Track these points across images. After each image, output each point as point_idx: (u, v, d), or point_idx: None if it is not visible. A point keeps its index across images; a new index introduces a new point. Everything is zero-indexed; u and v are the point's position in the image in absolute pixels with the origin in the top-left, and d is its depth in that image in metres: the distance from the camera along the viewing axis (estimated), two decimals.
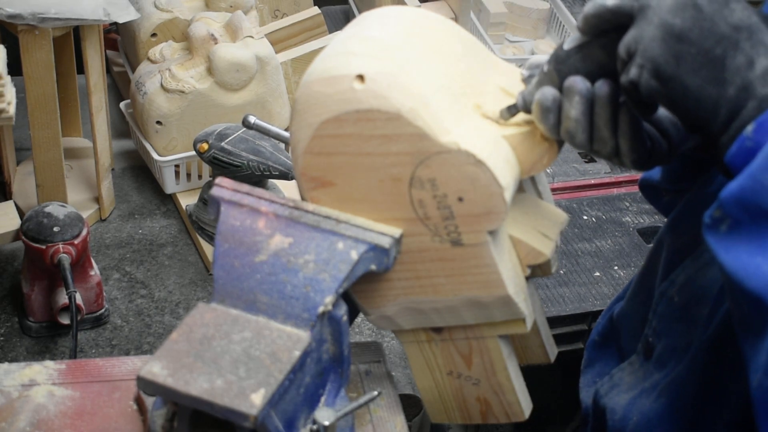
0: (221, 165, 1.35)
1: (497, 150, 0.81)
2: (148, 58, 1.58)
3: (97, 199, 1.57)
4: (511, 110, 0.83)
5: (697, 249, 0.96)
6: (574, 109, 0.78)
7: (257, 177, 1.35)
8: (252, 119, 1.16)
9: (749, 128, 0.71)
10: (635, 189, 1.73)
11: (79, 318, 1.27)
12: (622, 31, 0.75)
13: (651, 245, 1.58)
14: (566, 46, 0.79)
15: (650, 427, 0.96)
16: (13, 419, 0.89)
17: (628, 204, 1.70)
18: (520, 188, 0.90)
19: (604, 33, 0.77)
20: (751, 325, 0.74)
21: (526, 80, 0.85)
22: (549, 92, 0.79)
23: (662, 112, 0.85)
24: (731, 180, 0.72)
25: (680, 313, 0.96)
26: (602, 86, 0.78)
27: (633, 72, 0.74)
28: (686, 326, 0.95)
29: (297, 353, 0.79)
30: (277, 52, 1.60)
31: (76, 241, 1.29)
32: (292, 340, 0.80)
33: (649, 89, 0.74)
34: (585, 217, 1.66)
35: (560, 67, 0.79)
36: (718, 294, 0.90)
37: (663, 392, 0.95)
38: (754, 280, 0.70)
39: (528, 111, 0.82)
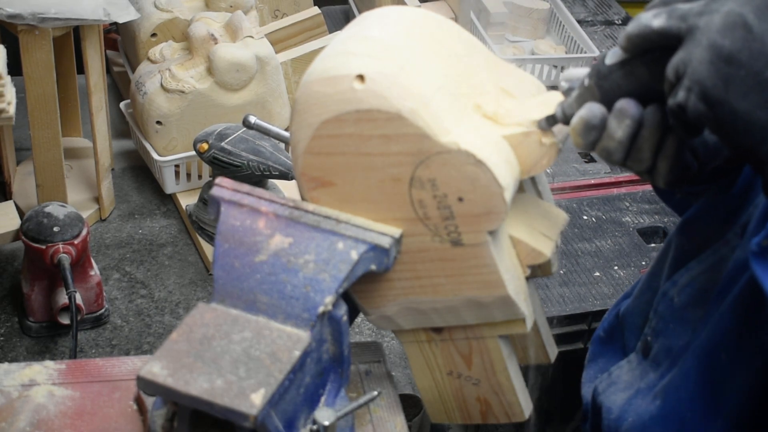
0: (221, 165, 1.35)
1: (497, 150, 0.81)
2: (148, 58, 1.58)
3: (97, 199, 1.57)
4: (550, 121, 0.82)
5: (704, 252, 0.96)
6: (621, 131, 0.77)
7: (257, 177, 1.35)
8: (252, 119, 1.16)
9: None
10: (635, 189, 1.73)
11: (79, 318, 1.27)
12: (666, 50, 0.73)
13: (652, 245, 1.59)
14: (608, 62, 0.78)
15: (644, 429, 0.96)
16: (13, 419, 0.89)
17: (628, 204, 1.70)
18: (520, 188, 0.90)
19: (648, 51, 0.76)
20: None
21: (566, 92, 0.83)
22: (597, 110, 0.77)
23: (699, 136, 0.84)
24: None
25: (678, 313, 0.96)
26: (654, 113, 0.77)
27: (681, 95, 0.72)
28: (682, 327, 0.95)
29: (297, 353, 0.79)
30: (277, 52, 1.60)
31: (76, 241, 1.29)
32: (292, 340, 0.80)
33: (697, 113, 0.71)
34: (585, 217, 1.66)
35: (602, 83, 0.78)
36: (716, 297, 0.90)
37: (658, 395, 0.95)
38: None
39: (567, 122, 0.81)
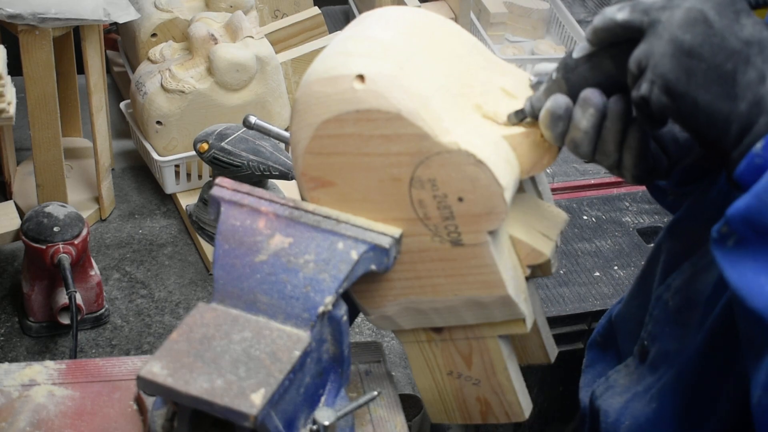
0: (221, 165, 1.35)
1: (497, 150, 0.81)
2: (148, 58, 1.58)
3: (97, 199, 1.57)
4: (519, 115, 0.83)
5: (695, 254, 0.96)
6: (585, 121, 0.78)
7: (257, 177, 1.35)
8: (253, 119, 1.16)
9: (758, 145, 0.71)
10: (635, 189, 1.73)
11: (79, 318, 1.27)
12: (631, 43, 0.75)
13: (652, 245, 1.59)
14: (575, 55, 0.79)
15: (641, 431, 0.96)
16: (13, 419, 0.89)
17: (628, 204, 1.70)
18: (520, 188, 0.90)
19: (614, 44, 0.77)
20: (753, 342, 0.74)
21: (534, 86, 0.85)
22: (562, 101, 0.79)
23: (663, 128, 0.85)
24: (740, 196, 0.71)
25: (674, 317, 0.96)
26: (616, 102, 0.78)
27: (644, 88, 0.73)
28: (678, 331, 0.95)
29: (297, 353, 0.79)
30: (277, 52, 1.60)
31: (76, 241, 1.29)
32: (292, 340, 0.80)
33: (660, 105, 0.73)
34: (585, 217, 1.66)
35: (569, 75, 0.79)
36: (708, 299, 0.90)
37: (654, 397, 0.95)
38: (757, 299, 0.70)
39: (535, 117, 0.82)
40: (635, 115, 0.78)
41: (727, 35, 0.71)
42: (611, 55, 0.78)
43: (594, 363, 1.15)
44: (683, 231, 1.01)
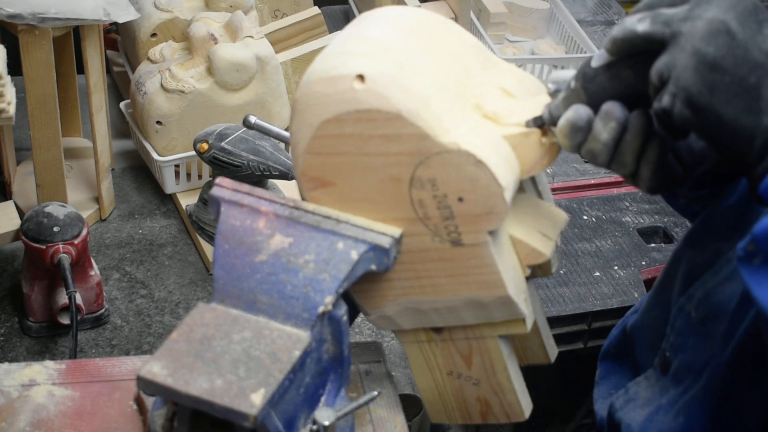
0: (221, 165, 1.35)
1: (497, 150, 0.81)
2: (148, 58, 1.58)
3: (97, 199, 1.57)
4: (537, 121, 0.82)
5: (716, 264, 0.95)
6: (606, 134, 0.77)
7: (257, 177, 1.35)
8: (253, 119, 1.16)
9: None
10: (635, 189, 1.73)
11: (79, 318, 1.27)
12: (651, 53, 0.74)
13: (652, 245, 1.59)
14: (594, 64, 0.78)
15: None
16: (13, 419, 0.89)
17: (628, 204, 1.70)
18: (520, 188, 0.90)
19: (633, 55, 0.76)
20: None
21: (552, 94, 0.83)
22: (584, 112, 0.78)
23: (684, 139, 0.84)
24: (764, 212, 0.71)
25: (697, 328, 0.95)
26: (638, 117, 0.77)
27: (665, 100, 0.72)
28: (703, 342, 0.94)
29: (297, 353, 0.79)
30: (277, 52, 1.60)
31: (76, 241, 1.29)
32: (292, 340, 0.80)
33: (682, 119, 0.72)
34: (585, 217, 1.66)
35: (588, 85, 0.79)
36: (735, 311, 0.89)
37: (681, 411, 0.94)
38: None
39: (554, 124, 0.81)
40: (656, 129, 0.77)
41: (750, 47, 0.70)
42: (631, 65, 0.77)
43: (608, 375, 1.14)
44: (703, 241, 1.00)
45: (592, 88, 0.79)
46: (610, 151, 0.79)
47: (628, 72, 0.77)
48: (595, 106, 0.79)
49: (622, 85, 0.78)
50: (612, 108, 0.77)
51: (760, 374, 0.85)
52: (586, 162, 1.77)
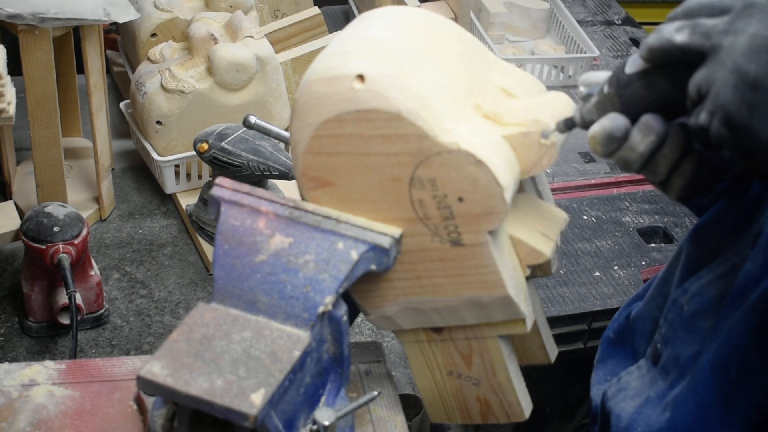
0: (221, 165, 1.35)
1: (497, 150, 0.81)
2: (148, 58, 1.58)
3: (97, 199, 1.57)
4: (567, 123, 0.82)
5: (715, 260, 0.95)
6: (643, 145, 0.76)
7: (257, 177, 1.35)
8: (253, 119, 1.16)
9: None
10: (635, 189, 1.73)
11: (79, 318, 1.27)
12: (689, 63, 0.72)
13: (652, 245, 1.59)
14: (628, 70, 0.77)
15: None
16: (13, 419, 0.89)
17: (628, 204, 1.70)
18: (520, 188, 0.90)
19: (669, 64, 0.75)
20: None
21: (584, 98, 0.82)
22: (621, 123, 0.77)
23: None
24: None
25: (688, 322, 0.95)
26: (678, 132, 0.76)
27: (703, 117, 0.71)
28: (691, 336, 0.94)
29: (297, 353, 0.79)
30: (277, 52, 1.60)
31: (76, 241, 1.29)
32: (292, 340, 0.80)
33: (719, 137, 0.70)
34: (585, 217, 1.66)
35: (622, 91, 0.77)
36: (725, 309, 0.89)
37: (668, 406, 0.94)
38: None
39: (585, 127, 0.80)
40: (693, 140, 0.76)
41: None
42: (667, 73, 0.75)
43: (605, 359, 1.14)
44: (705, 237, 0.99)
45: (626, 95, 0.77)
46: (645, 161, 0.77)
47: (664, 81, 0.75)
48: (630, 113, 0.77)
49: (658, 94, 0.76)
50: (652, 121, 0.76)
51: (745, 376, 0.85)
52: (587, 162, 1.77)
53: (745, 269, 0.87)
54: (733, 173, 0.88)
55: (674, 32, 0.72)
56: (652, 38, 0.74)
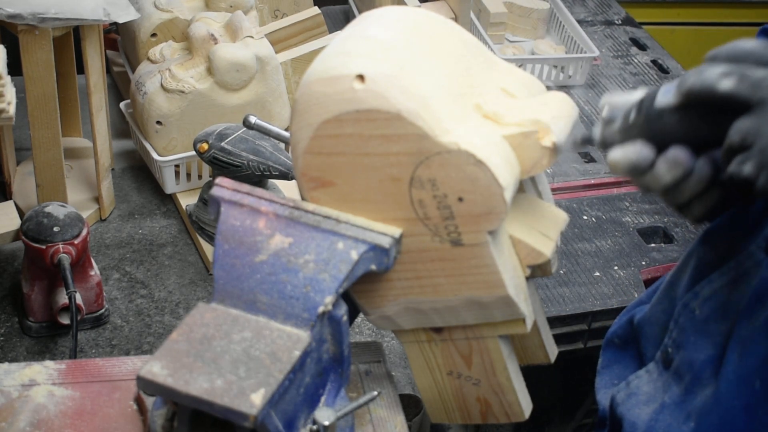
0: (221, 165, 1.35)
1: (497, 150, 0.81)
2: (148, 58, 1.58)
3: (97, 199, 1.57)
4: (585, 140, 0.82)
5: (726, 264, 0.95)
6: (669, 177, 0.76)
7: (257, 177, 1.35)
8: (253, 119, 1.16)
9: None
10: (635, 189, 1.73)
11: (79, 318, 1.27)
12: (729, 110, 0.71)
13: (652, 245, 1.59)
14: (660, 103, 0.75)
15: None
16: (13, 419, 0.89)
17: (628, 204, 1.70)
18: (520, 188, 0.90)
19: (706, 104, 0.73)
20: None
21: (606, 122, 0.81)
22: (648, 154, 0.76)
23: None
24: None
25: (700, 326, 0.95)
26: (706, 166, 0.75)
27: (748, 169, 0.70)
28: (704, 340, 0.93)
29: (297, 353, 0.79)
30: (277, 52, 1.60)
31: (76, 241, 1.29)
32: (292, 340, 0.80)
33: (765, 191, 0.70)
34: (585, 217, 1.66)
35: (652, 124, 0.76)
36: (742, 315, 0.88)
37: (692, 416, 0.93)
38: None
39: (603, 147, 0.80)
40: (728, 184, 0.75)
41: None
42: (702, 114, 0.74)
43: (611, 364, 1.13)
44: (717, 240, 0.99)
45: (657, 127, 0.76)
46: (668, 190, 0.77)
47: (698, 121, 0.74)
48: (657, 143, 0.77)
49: (691, 132, 0.75)
50: (681, 156, 0.75)
51: None
52: (587, 162, 1.77)
53: (763, 277, 0.86)
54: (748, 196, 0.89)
55: (720, 78, 0.71)
56: (694, 79, 0.72)
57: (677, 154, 0.75)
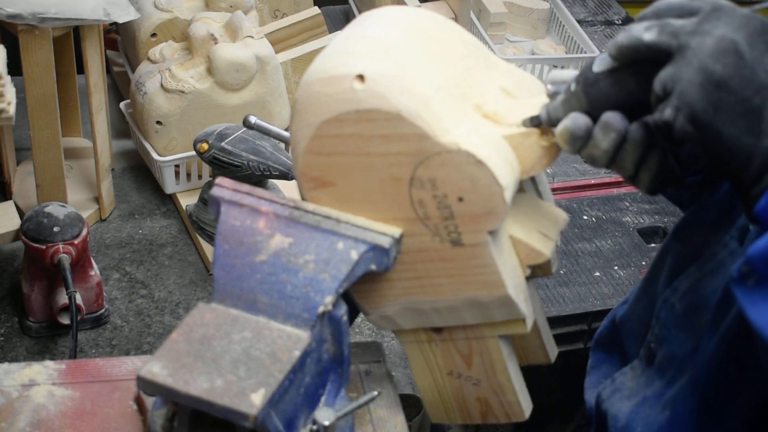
0: (221, 165, 1.35)
1: (497, 150, 0.81)
2: (148, 58, 1.58)
3: (97, 199, 1.57)
4: (534, 121, 0.82)
5: (702, 257, 0.95)
6: (605, 143, 0.78)
7: (257, 177, 1.35)
8: (253, 119, 1.16)
9: None
10: (635, 189, 1.73)
11: (79, 318, 1.27)
12: (655, 63, 0.74)
13: (652, 245, 1.59)
14: (596, 69, 0.78)
15: None
16: (13, 419, 0.89)
17: (628, 204, 1.70)
18: (520, 188, 0.90)
19: (637, 62, 0.76)
20: None
21: (551, 95, 0.83)
22: (582, 122, 0.78)
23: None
24: (759, 234, 0.71)
25: (681, 320, 0.96)
26: (638, 130, 0.77)
27: (668, 113, 0.72)
28: (686, 334, 0.95)
29: (297, 353, 0.79)
30: (277, 52, 1.60)
31: (76, 241, 1.29)
32: (292, 340, 0.80)
33: (683, 133, 0.72)
34: (585, 217, 1.66)
35: (589, 89, 0.78)
36: (718, 305, 0.89)
37: (668, 405, 0.95)
38: None
39: (551, 125, 0.81)
40: (656, 136, 0.77)
41: (757, 68, 0.70)
42: (633, 72, 0.76)
43: (599, 364, 1.15)
44: (690, 234, 1.00)
45: (593, 92, 0.78)
46: (610, 157, 0.79)
47: (630, 79, 0.77)
48: (596, 111, 0.79)
49: (624, 92, 0.77)
50: (612, 119, 0.77)
51: (743, 371, 0.85)
52: (586, 162, 1.77)
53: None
54: (703, 165, 0.89)
55: (643, 31, 0.74)
56: (621, 36, 0.75)
57: (609, 116, 0.77)
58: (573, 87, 0.80)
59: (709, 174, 0.97)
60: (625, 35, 0.75)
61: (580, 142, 0.79)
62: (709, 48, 0.70)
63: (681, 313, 0.96)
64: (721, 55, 0.70)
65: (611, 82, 0.77)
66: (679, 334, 0.96)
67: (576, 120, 0.78)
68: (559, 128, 0.80)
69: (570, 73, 0.82)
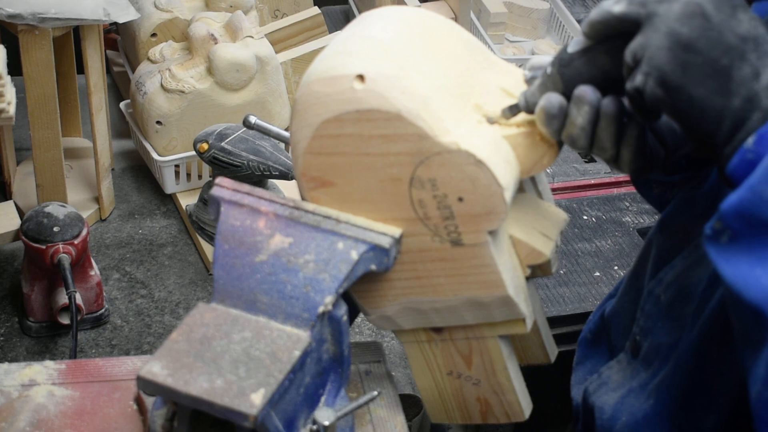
0: (221, 165, 1.35)
1: (497, 150, 0.81)
2: (148, 58, 1.58)
3: (97, 199, 1.57)
4: (513, 110, 0.83)
5: (686, 249, 0.96)
6: (580, 118, 0.78)
7: (257, 177, 1.35)
8: (253, 119, 1.16)
9: (750, 140, 0.71)
10: (635, 189, 1.73)
11: (79, 318, 1.27)
12: (627, 38, 0.75)
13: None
14: (570, 50, 0.79)
15: (638, 427, 0.96)
16: (13, 419, 0.89)
17: (628, 204, 1.70)
18: (520, 188, 0.90)
19: (610, 39, 0.77)
20: (750, 336, 0.74)
21: (528, 81, 0.85)
22: (555, 99, 0.79)
23: (661, 119, 0.85)
24: (732, 191, 0.71)
25: (666, 311, 0.96)
26: (610, 104, 0.78)
27: (638, 79, 0.74)
28: (671, 325, 0.95)
29: (297, 353, 0.79)
30: (277, 52, 1.60)
31: (76, 241, 1.29)
32: (292, 340, 0.80)
33: (654, 98, 0.73)
34: (585, 217, 1.66)
35: (564, 70, 0.79)
36: (702, 293, 0.90)
37: (651, 393, 0.95)
38: (753, 291, 0.70)
39: (530, 111, 0.82)
40: (629, 107, 0.78)
41: (724, 30, 0.71)
42: (607, 49, 0.77)
43: (584, 360, 1.15)
44: (674, 226, 1.01)
45: (568, 73, 0.79)
46: (588, 135, 0.79)
47: (603, 56, 0.78)
48: (572, 92, 0.79)
49: (598, 70, 0.78)
50: (584, 92, 0.78)
51: (725, 355, 0.86)
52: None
53: None
54: (688, 150, 0.90)
55: (613, 4, 0.75)
56: (593, 12, 0.77)
57: (581, 89, 0.78)
58: (549, 70, 0.80)
59: (691, 171, 0.97)
60: (596, 11, 0.77)
61: (557, 122, 0.79)
62: (675, 12, 0.72)
63: (666, 304, 0.96)
64: (687, 18, 0.72)
65: (585, 60, 0.78)
66: (665, 325, 0.96)
67: (549, 99, 0.79)
68: (536, 111, 0.80)
69: (548, 59, 0.83)
